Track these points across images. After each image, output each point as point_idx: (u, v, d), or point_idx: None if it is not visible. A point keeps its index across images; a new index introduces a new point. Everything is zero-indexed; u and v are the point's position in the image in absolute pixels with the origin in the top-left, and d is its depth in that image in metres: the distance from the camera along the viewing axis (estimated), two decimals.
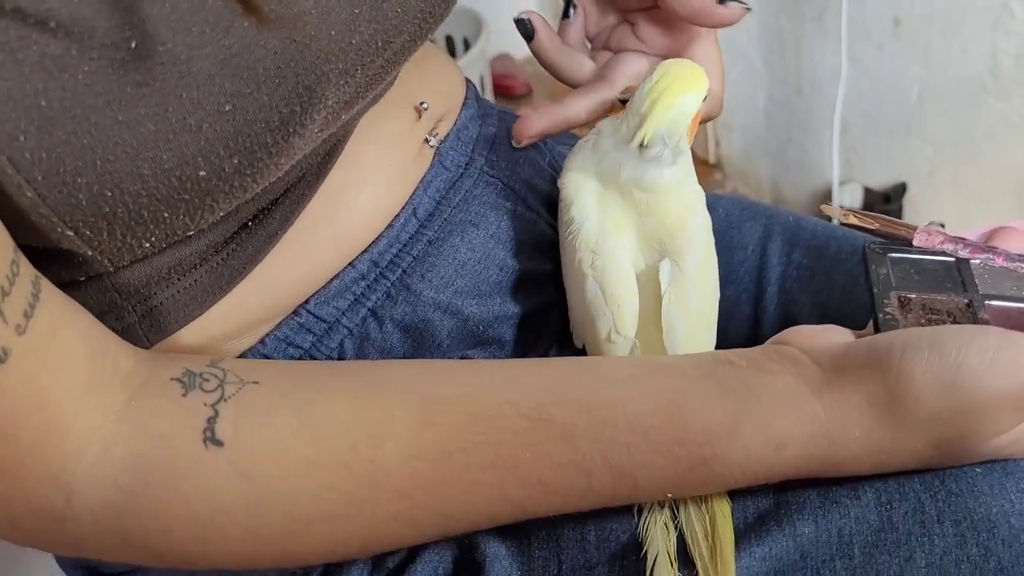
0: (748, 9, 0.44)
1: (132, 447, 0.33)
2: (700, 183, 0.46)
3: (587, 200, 0.45)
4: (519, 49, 1.84)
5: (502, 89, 1.79)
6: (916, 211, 1.33)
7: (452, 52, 1.64)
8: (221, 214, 0.37)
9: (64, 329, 0.33)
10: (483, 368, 0.39)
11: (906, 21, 1.18)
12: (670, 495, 0.38)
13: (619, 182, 0.44)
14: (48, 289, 0.33)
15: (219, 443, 0.34)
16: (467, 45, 1.63)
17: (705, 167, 1.65)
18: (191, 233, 0.37)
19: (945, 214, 1.30)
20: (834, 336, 0.41)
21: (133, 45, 0.31)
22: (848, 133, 1.34)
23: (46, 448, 0.31)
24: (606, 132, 0.45)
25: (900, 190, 1.32)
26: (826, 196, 1.38)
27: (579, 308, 0.47)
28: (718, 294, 0.47)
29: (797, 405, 0.37)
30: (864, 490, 0.38)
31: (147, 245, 0.35)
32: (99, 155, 0.31)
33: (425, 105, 0.49)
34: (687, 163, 0.44)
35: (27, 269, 0.32)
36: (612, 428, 0.36)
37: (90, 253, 0.34)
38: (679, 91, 0.41)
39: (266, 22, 0.34)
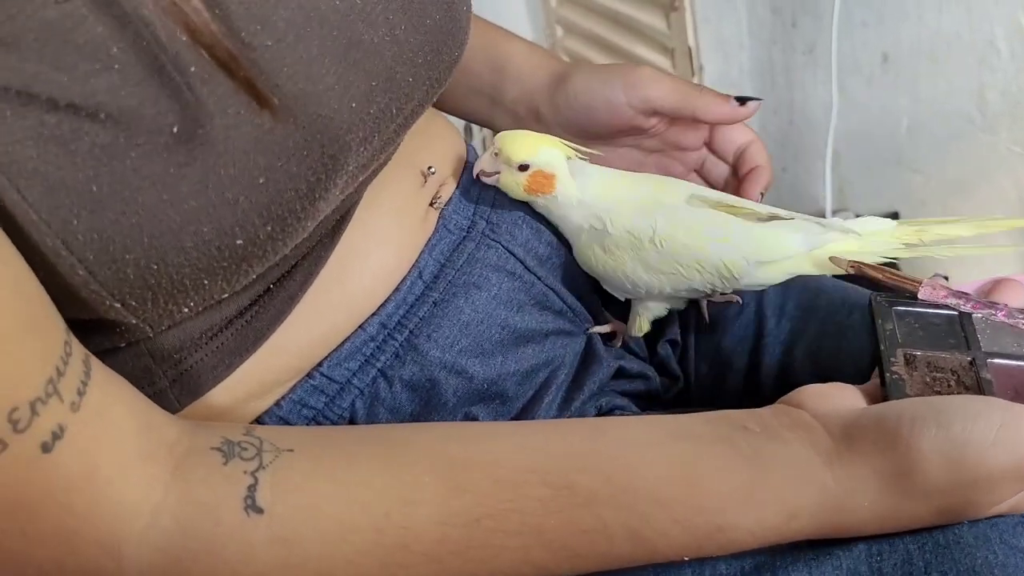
0: (761, 101, 0.56)
1: (177, 514, 0.34)
2: None
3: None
4: None
5: None
6: None
7: None
8: (253, 277, 0.39)
9: (114, 404, 0.35)
10: (505, 432, 0.41)
11: (895, 56, 1.20)
12: (687, 559, 0.40)
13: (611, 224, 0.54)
14: (97, 367, 0.35)
15: (259, 510, 0.35)
16: None
17: None
18: (226, 296, 0.39)
19: None
20: (844, 397, 0.42)
21: (175, 130, 0.33)
22: (840, 163, 1.36)
23: (99, 517, 0.33)
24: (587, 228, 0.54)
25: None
26: None
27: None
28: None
29: (809, 476, 0.38)
30: (856, 542, 0.40)
31: (186, 310, 0.37)
32: (146, 232, 0.33)
33: (433, 170, 0.51)
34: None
35: (78, 349, 0.34)
36: (631, 496, 0.38)
37: (134, 321, 0.36)
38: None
39: (296, 100, 0.36)
